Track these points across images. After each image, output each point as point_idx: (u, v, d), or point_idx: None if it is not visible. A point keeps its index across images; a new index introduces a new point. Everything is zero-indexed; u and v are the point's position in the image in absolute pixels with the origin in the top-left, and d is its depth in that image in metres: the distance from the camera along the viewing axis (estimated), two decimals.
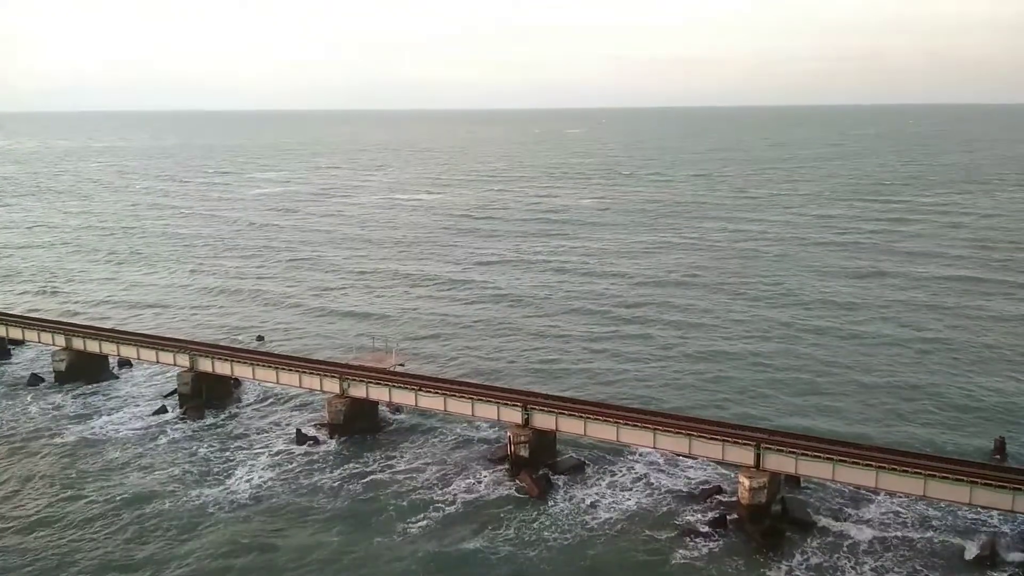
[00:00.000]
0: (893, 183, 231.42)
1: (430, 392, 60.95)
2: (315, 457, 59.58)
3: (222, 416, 67.58)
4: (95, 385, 74.56)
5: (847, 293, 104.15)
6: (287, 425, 65.43)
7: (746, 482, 49.31)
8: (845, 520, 50.04)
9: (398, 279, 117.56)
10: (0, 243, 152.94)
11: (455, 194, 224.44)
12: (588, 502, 52.63)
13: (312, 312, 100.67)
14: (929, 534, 48.43)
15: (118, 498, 54.02)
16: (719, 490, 53.32)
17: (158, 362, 72.66)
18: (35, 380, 76.03)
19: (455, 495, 53.64)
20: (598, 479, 55.62)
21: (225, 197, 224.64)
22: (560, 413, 56.47)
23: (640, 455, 57.91)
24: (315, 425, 64.67)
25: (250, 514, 51.92)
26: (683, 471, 56.35)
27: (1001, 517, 49.16)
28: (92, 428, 65.59)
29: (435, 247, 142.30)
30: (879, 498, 51.81)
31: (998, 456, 56.81)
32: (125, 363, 79.28)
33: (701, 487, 54.18)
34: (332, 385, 64.11)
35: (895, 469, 47.62)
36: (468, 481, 55.46)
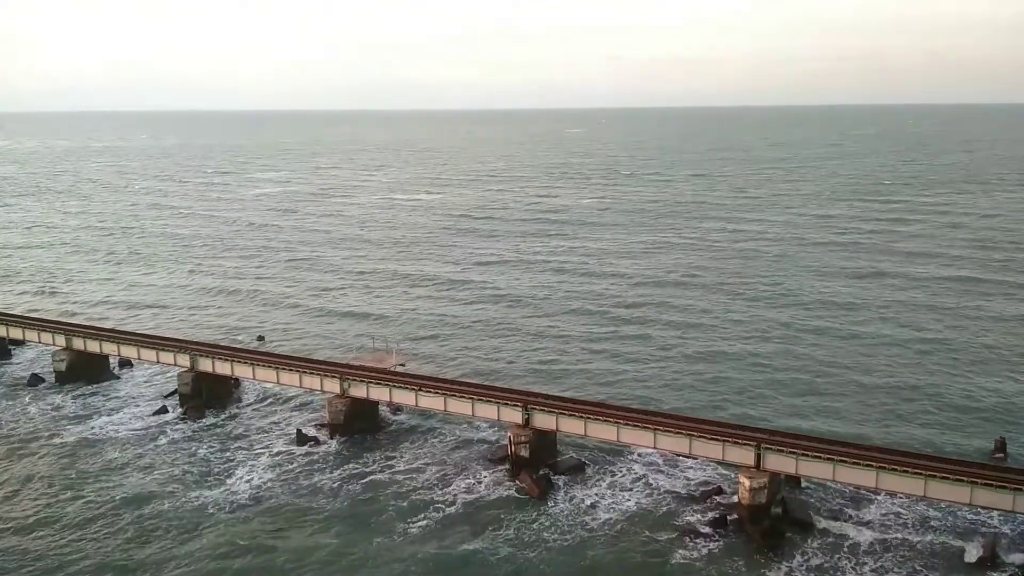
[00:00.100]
0: (893, 183, 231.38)
1: (430, 392, 60.92)
2: (315, 457, 59.57)
3: (222, 416, 67.61)
4: (95, 385, 74.58)
5: (847, 293, 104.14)
6: (287, 425, 65.44)
7: (746, 482, 49.27)
8: (845, 520, 50.04)
9: (397, 279, 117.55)
10: None
11: (455, 194, 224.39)
12: (588, 502, 52.62)
13: (312, 312, 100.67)
14: (929, 535, 48.44)
15: (118, 498, 54.06)
16: (719, 490, 53.32)
17: (158, 362, 72.68)
18: (35, 380, 76.02)
19: (455, 495, 53.63)
20: (598, 479, 55.59)
21: (224, 197, 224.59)
22: (561, 413, 56.44)
23: (640, 455, 57.89)
24: (315, 425, 64.67)
25: (250, 515, 51.93)
26: (683, 471, 56.34)
27: (1001, 517, 49.16)
28: (92, 428, 65.63)
29: (434, 247, 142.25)
30: (879, 498, 51.81)
31: (999, 455, 56.82)
32: (126, 363, 79.32)
33: (701, 487, 54.17)
34: (332, 385, 64.08)
35: (895, 469, 47.60)
36: (468, 481, 55.46)
